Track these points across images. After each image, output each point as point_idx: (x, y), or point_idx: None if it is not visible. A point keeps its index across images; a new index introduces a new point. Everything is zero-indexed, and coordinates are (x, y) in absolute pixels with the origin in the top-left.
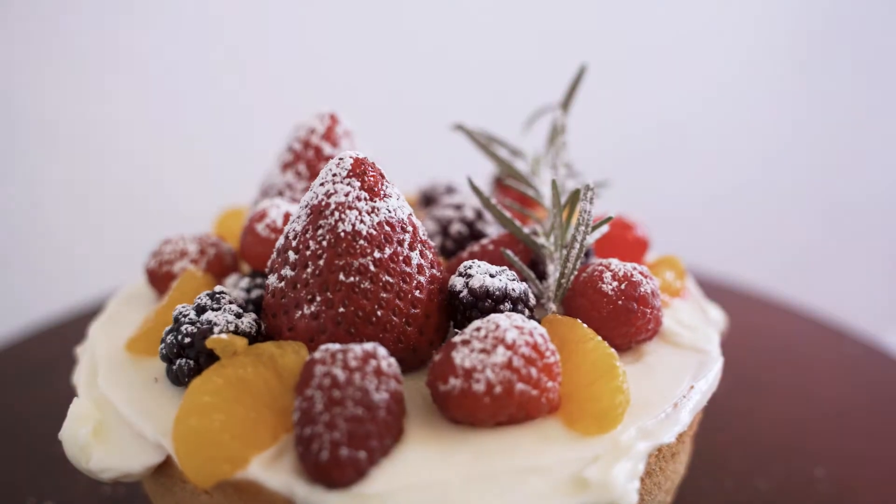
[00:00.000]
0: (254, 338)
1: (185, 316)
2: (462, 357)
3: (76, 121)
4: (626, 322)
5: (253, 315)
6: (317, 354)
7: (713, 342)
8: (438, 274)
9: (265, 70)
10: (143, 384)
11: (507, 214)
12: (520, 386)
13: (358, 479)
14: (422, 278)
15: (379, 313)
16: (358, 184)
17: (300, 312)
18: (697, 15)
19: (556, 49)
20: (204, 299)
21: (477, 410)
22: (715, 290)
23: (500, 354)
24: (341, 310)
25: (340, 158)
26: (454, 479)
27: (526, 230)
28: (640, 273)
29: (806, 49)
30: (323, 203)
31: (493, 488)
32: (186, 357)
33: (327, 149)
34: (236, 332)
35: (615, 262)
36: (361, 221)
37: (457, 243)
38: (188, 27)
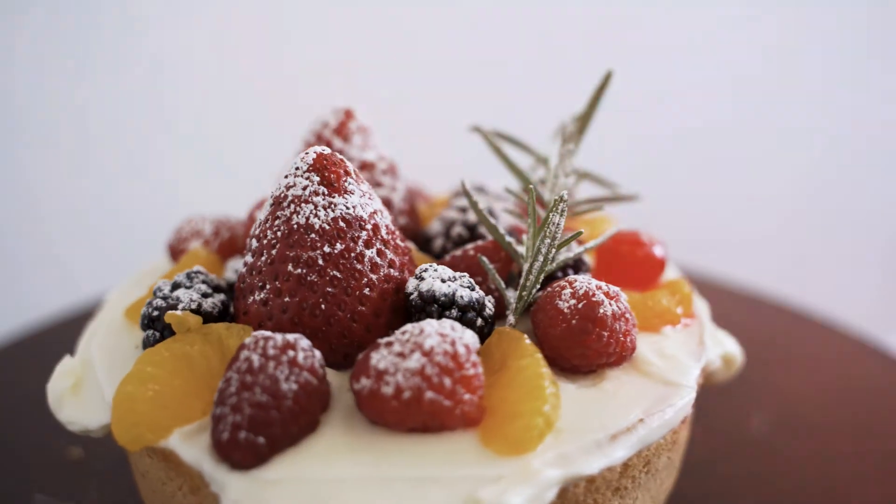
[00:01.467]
0: (217, 318)
1: (160, 291)
2: (378, 358)
3: (76, 121)
4: (581, 343)
5: (223, 297)
6: (247, 339)
7: (688, 376)
8: (397, 274)
9: (265, 72)
10: (127, 350)
11: (493, 220)
12: (430, 394)
13: (257, 464)
14: (374, 277)
15: (323, 307)
16: (317, 178)
17: (252, 298)
18: (691, 17)
19: (556, 49)
20: (181, 277)
21: (385, 413)
22: (715, 291)
23: (415, 360)
24: (287, 299)
25: (305, 153)
26: (350, 479)
27: (510, 238)
28: (605, 293)
29: (803, 48)
30: (282, 195)
31: (386, 493)
32: (154, 329)
33: (337, 143)
34: (198, 310)
35: (582, 279)
36: (315, 216)
37: (457, 246)
38: (190, 26)
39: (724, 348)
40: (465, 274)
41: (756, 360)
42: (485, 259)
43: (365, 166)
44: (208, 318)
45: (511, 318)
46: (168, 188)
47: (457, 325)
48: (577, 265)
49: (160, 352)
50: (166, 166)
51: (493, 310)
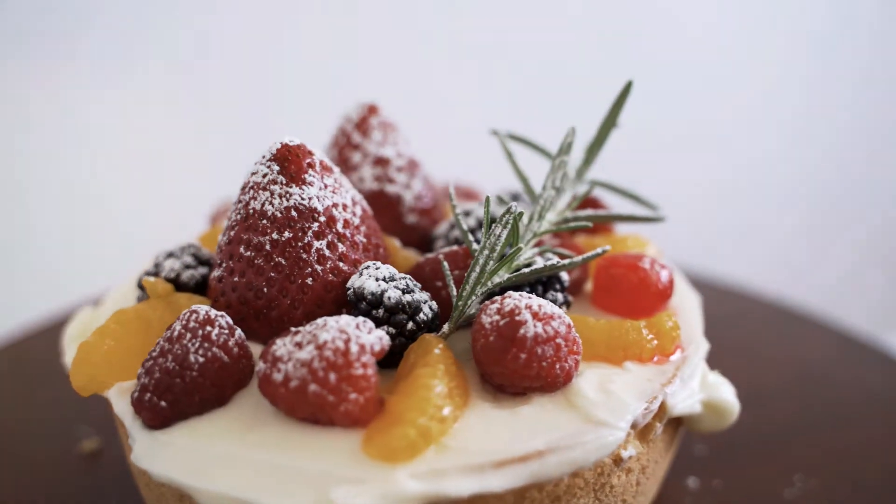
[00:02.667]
0: (194, 289)
1: (157, 258)
2: (280, 345)
3: (75, 121)
4: (497, 361)
5: (205, 270)
6: (186, 311)
7: (620, 417)
8: (347, 269)
9: (266, 72)
10: None
11: (465, 226)
12: (313, 387)
13: (160, 425)
14: (319, 268)
15: (266, 290)
16: (277, 168)
17: (213, 274)
18: (686, 11)
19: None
20: (175, 249)
21: (275, 399)
22: (714, 291)
23: (306, 352)
24: (236, 279)
25: (274, 143)
26: (228, 456)
27: (475, 246)
28: (534, 313)
29: (801, 47)
30: (246, 181)
31: (251, 475)
32: (142, 290)
33: (356, 138)
34: (175, 279)
35: (519, 296)
36: (270, 203)
37: None
38: (190, 26)
39: (711, 395)
40: (408, 276)
41: (755, 359)
42: (445, 263)
43: (379, 162)
44: (185, 287)
45: (445, 328)
46: (164, 191)
47: (367, 323)
48: (548, 282)
49: (128, 311)
50: (161, 170)
51: (430, 315)
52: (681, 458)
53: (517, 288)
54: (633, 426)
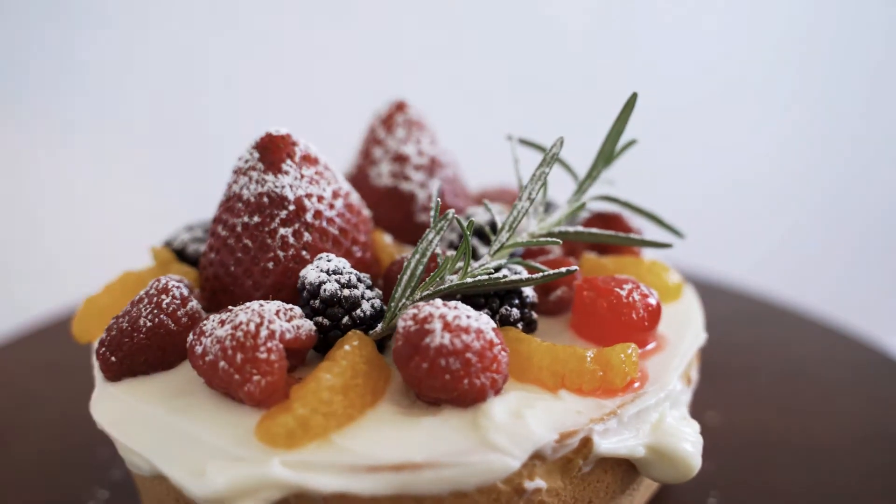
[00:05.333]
0: (196, 262)
1: (177, 230)
2: (211, 320)
3: (76, 120)
4: (403, 367)
5: None
6: (155, 279)
7: (516, 445)
8: (309, 258)
9: (266, 71)
10: None
11: (432, 235)
12: (222, 364)
13: (114, 378)
14: (281, 254)
15: (232, 269)
16: (257, 155)
17: (204, 248)
18: (694, 14)
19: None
20: (198, 224)
21: (197, 370)
22: (713, 291)
23: (224, 330)
24: (212, 256)
25: (261, 131)
26: (148, 415)
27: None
28: (446, 324)
29: (802, 47)
30: (235, 166)
31: (157, 435)
32: None
33: (381, 133)
34: (181, 250)
35: (439, 304)
36: (247, 188)
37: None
38: (194, 25)
39: (662, 441)
40: (358, 273)
41: (753, 359)
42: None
43: (398, 158)
44: (188, 259)
45: (378, 327)
46: (163, 191)
47: (292, 311)
48: (506, 296)
49: (133, 274)
50: (162, 169)
51: (368, 312)
52: None
53: (474, 297)
54: (540, 457)
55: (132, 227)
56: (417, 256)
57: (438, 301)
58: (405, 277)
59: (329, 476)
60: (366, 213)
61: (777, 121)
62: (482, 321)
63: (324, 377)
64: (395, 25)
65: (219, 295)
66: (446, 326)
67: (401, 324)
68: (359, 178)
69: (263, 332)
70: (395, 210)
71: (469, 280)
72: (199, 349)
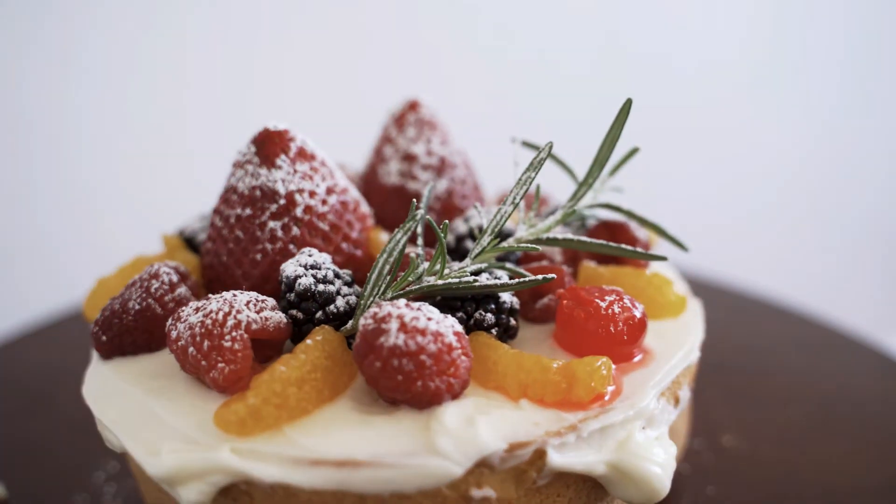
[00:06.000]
0: None
1: (192, 219)
2: (189, 307)
3: (74, 120)
4: (360, 364)
5: None
6: (150, 264)
7: (460, 453)
8: (296, 251)
9: (267, 70)
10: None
11: (401, 234)
12: (191, 350)
13: (105, 356)
14: (269, 246)
15: (224, 259)
16: (254, 149)
17: (205, 236)
18: (704, 11)
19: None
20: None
21: (173, 354)
22: (713, 292)
23: (195, 318)
24: (209, 245)
25: (260, 126)
26: (126, 392)
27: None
28: (402, 325)
29: (804, 49)
30: (235, 159)
31: (129, 413)
32: None
33: (392, 132)
34: (191, 239)
35: (401, 304)
36: (242, 181)
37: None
38: (195, 25)
39: (626, 460)
40: (334, 268)
41: (753, 360)
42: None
43: (406, 158)
44: (197, 248)
45: (349, 323)
46: (164, 186)
47: (265, 303)
48: (482, 300)
49: (144, 259)
50: (163, 164)
51: (342, 308)
52: None
53: (452, 300)
54: (488, 466)
55: (135, 224)
56: (385, 255)
57: (402, 301)
58: (373, 276)
59: (273, 466)
60: (365, 210)
61: (776, 122)
62: (444, 324)
63: (278, 369)
64: (411, 22)
65: (213, 283)
66: (402, 327)
67: (361, 321)
68: (370, 176)
69: (230, 322)
70: (402, 209)
71: (441, 283)
72: (174, 334)
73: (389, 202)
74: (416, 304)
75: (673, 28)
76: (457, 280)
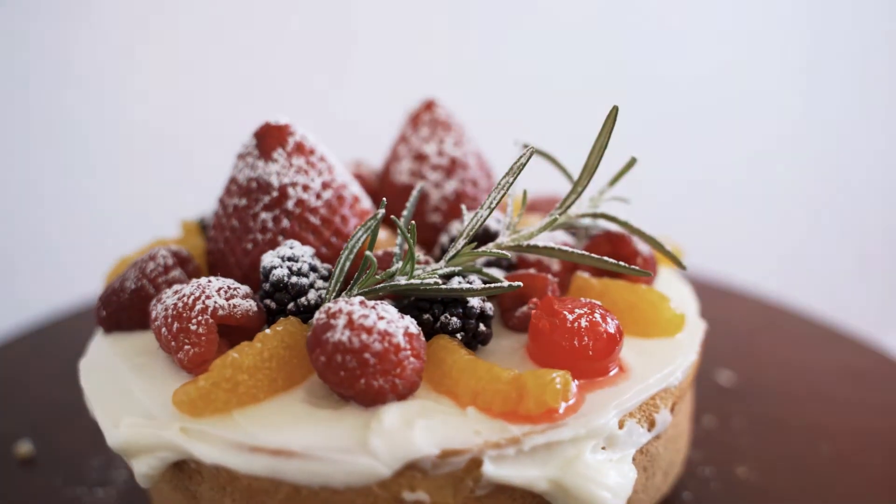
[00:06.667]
0: None
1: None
2: (171, 289)
3: (74, 120)
4: (309, 356)
5: None
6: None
7: (387, 454)
8: (283, 241)
9: (269, 69)
10: None
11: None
12: (164, 331)
13: (107, 330)
14: (260, 237)
15: (221, 246)
16: (254, 142)
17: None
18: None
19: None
20: None
21: (153, 333)
22: (712, 292)
23: (171, 300)
24: (212, 232)
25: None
26: (110, 366)
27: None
28: (349, 322)
29: (806, 48)
30: (238, 152)
31: (107, 387)
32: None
33: (407, 131)
34: (207, 227)
35: (354, 301)
36: (242, 172)
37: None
38: (195, 24)
39: (569, 480)
40: (311, 261)
41: (754, 359)
42: (368, 257)
43: (418, 157)
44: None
45: (314, 318)
46: (164, 188)
47: (238, 290)
48: (449, 303)
49: (163, 242)
50: (166, 167)
51: (314, 301)
52: None
53: (422, 301)
54: (420, 470)
55: (135, 224)
56: (346, 252)
57: (357, 299)
58: (336, 272)
59: (215, 448)
60: (366, 206)
61: (776, 122)
62: (397, 324)
63: (231, 355)
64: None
65: (213, 269)
66: (349, 324)
67: (315, 315)
68: (385, 175)
69: (198, 306)
70: None
71: (403, 282)
72: (153, 314)
73: (399, 200)
74: (372, 303)
75: (685, 30)
76: (418, 282)
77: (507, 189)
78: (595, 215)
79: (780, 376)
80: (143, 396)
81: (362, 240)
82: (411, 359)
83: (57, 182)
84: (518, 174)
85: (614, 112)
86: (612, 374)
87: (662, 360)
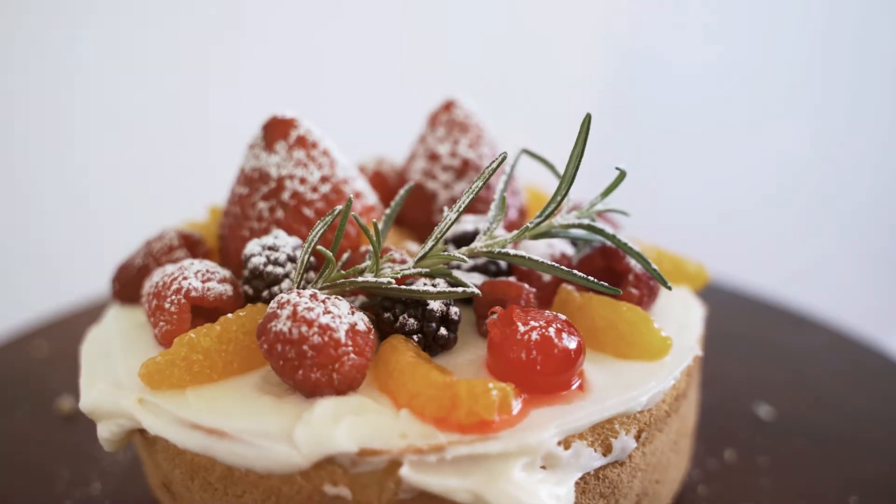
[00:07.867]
0: None
1: None
2: (161, 269)
3: (73, 120)
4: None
5: None
6: None
7: (305, 446)
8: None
9: (271, 69)
10: None
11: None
12: (146, 307)
13: (119, 301)
14: (256, 225)
15: (226, 232)
16: (261, 134)
17: None
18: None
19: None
20: None
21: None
22: (712, 291)
23: (156, 276)
24: (223, 219)
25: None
26: (105, 337)
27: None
28: (293, 313)
29: (823, 54)
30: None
31: (96, 357)
32: None
33: (425, 131)
34: None
35: (304, 294)
36: (248, 162)
37: None
38: (194, 24)
39: (488, 495)
40: (290, 252)
41: (754, 359)
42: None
43: (431, 157)
44: None
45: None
46: (164, 188)
47: (214, 275)
48: (410, 304)
49: (192, 224)
50: (165, 166)
51: (284, 291)
52: None
53: (388, 300)
54: (340, 466)
55: (134, 224)
56: (306, 245)
57: (309, 292)
58: (299, 264)
59: (159, 420)
60: (369, 202)
61: (778, 122)
62: (343, 320)
63: (189, 335)
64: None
65: (221, 252)
66: (293, 315)
67: (271, 304)
68: (403, 173)
69: (174, 286)
70: (417, 206)
71: (360, 280)
72: (142, 291)
73: (412, 199)
74: (324, 297)
75: (677, 26)
76: (379, 280)
77: (476, 193)
78: (581, 226)
79: (827, 419)
80: (122, 366)
81: (319, 234)
82: (352, 355)
83: (57, 182)
84: (488, 178)
85: (587, 120)
86: (572, 390)
87: (628, 384)
